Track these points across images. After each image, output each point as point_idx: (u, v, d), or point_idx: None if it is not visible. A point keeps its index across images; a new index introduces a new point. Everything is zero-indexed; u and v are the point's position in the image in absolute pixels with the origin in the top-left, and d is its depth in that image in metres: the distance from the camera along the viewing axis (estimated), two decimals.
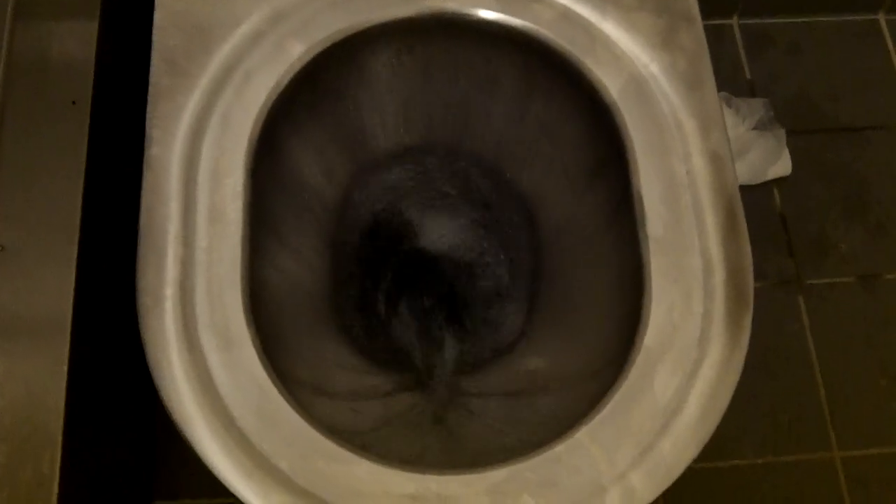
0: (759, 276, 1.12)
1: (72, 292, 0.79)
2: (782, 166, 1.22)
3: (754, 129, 1.22)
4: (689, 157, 0.63)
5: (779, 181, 1.22)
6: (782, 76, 1.29)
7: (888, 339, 1.14)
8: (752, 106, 1.24)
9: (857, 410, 1.10)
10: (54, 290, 0.79)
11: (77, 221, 0.82)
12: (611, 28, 0.66)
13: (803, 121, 1.25)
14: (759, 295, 1.12)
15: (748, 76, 1.29)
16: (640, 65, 0.66)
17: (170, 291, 0.57)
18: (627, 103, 0.65)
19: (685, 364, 0.57)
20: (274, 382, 0.55)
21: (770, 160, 1.22)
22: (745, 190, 1.18)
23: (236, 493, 0.53)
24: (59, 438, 0.74)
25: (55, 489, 0.73)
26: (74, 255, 0.80)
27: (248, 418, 0.54)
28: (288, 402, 0.55)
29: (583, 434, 0.55)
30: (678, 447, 0.55)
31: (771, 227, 1.20)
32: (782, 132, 1.22)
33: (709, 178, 0.62)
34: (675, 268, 0.60)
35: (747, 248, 0.60)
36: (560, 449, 0.55)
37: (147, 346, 0.56)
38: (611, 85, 0.65)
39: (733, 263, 0.60)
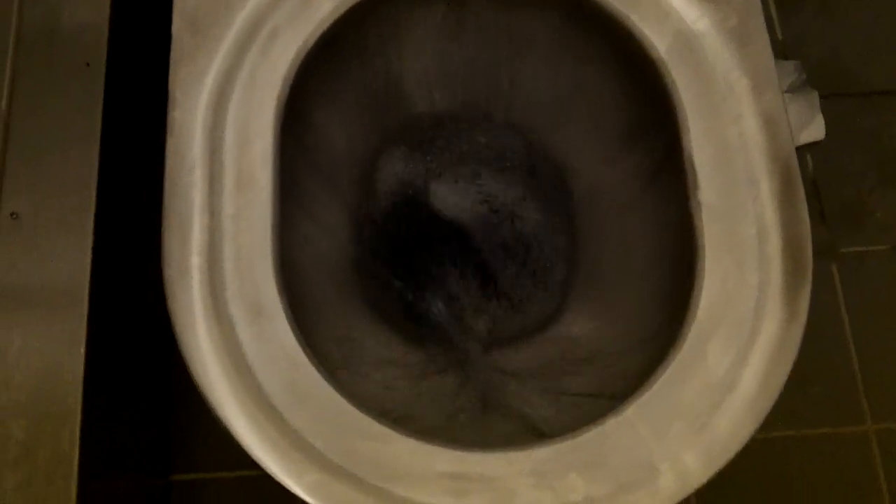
0: None
1: (88, 261, 0.76)
2: (815, 130, 1.18)
3: (786, 92, 1.19)
4: (741, 119, 0.59)
5: (811, 146, 1.18)
6: (814, 37, 1.25)
7: None
8: (784, 68, 1.20)
9: (892, 382, 1.07)
10: (70, 260, 0.77)
11: (93, 187, 0.79)
12: None
13: (836, 83, 1.22)
14: None
15: (779, 37, 1.25)
16: (688, 20, 0.62)
17: (196, 261, 0.55)
18: (676, 62, 0.61)
19: (740, 338, 0.54)
20: (307, 356, 0.53)
21: (802, 124, 1.18)
22: None
23: (269, 472, 0.50)
24: (78, 413, 0.72)
25: (75, 465, 0.72)
26: (91, 223, 0.78)
27: (280, 393, 0.52)
28: (322, 376, 0.52)
29: (632, 411, 0.53)
30: (734, 425, 0.52)
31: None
32: (815, 95, 1.18)
33: (763, 141, 0.59)
34: (729, 236, 0.57)
35: (805, 216, 0.57)
36: (608, 426, 0.52)
37: (174, 319, 0.53)
38: (658, 42, 0.62)
39: (790, 232, 0.57)
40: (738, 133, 0.59)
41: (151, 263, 1.03)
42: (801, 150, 1.18)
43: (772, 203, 0.57)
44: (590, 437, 0.52)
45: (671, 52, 0.61)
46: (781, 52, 1.24)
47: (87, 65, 0.84)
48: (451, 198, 0.75)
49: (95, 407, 0.73)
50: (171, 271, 0.54)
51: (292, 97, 0.60)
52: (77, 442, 0.72)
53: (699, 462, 0.52)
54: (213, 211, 0.56)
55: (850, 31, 1.25)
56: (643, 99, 0.64)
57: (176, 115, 0.58)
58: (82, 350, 0.73)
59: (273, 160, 0.57)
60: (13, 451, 0.72)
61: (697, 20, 0.62)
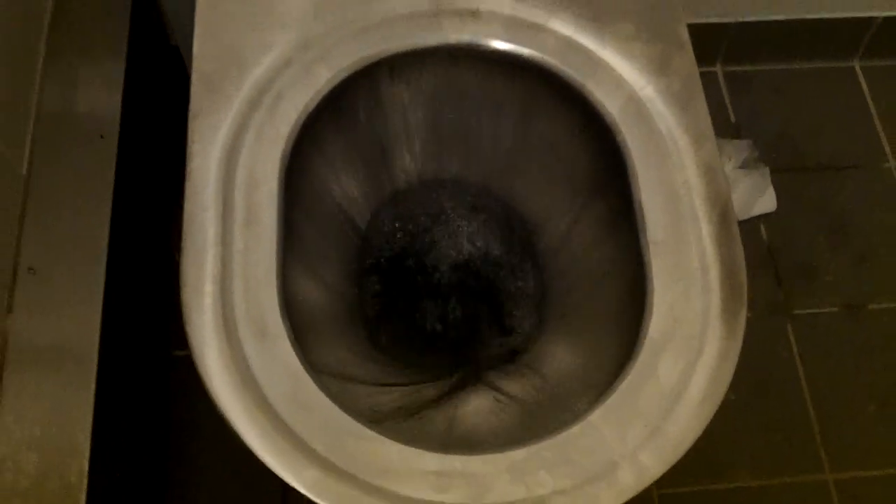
0: (748, 305, 1.18)
1: (99, 311, 0.84)
2: (768, 202, 1.27)
3: (740, 167, 1.29)
4: (684, 169, 0.69)
5: (765, 216, 1.27)
6: (765, 118, 1.36)
7: (875, 366, 1.18)
8: (738, 146, 1.30)
9: (849, 434, 1.14)
10: (83, 310, 0.84)
11: (104, 245, 0.87)
12: (610, 55, 0.73)
13: (786, 159, 1.32)
14: (750, 323, 1.17)
15: (733, 119, 1.35)
16: (637, 87, 0.72)
17: (210, 288, 0.62)
18: (627, 122, 0.70)
19: (687, 353, 0.62)
20: (307, 370, 0.60)
21: (755, 196, 1.28)
22: None
23: (273, 470, 0.56)
24: (87, 448, 0.78)
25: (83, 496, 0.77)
26: (102, 277, 0.85)
27: (282, 403, 0.59)
28: (320, 388, 0.59)
29: (595, 417, 0.60)
30: (683, 427, 0.60)
31: (759, 259, 1.25)
32: (766, 170, 1.28)
33: (703, 187, 0.68)
34: (676, 268, 0.65)
35: (740, 249, 0.66)
36: (575, 431, 0.59)
37: (190, 337, 0.60)
38: (611, 106, 0.71)
39: (728, 263, 0.65)
40: (682, 181, 0.68)
41: (156, 312, 1.11)
42: (756, 220, 1.27)
43: (711, 239, 0.66)
44: (558, 440, 0.59)
45: (623, 114, 0.71)
46: (735, 132, 1.34)
47: (101, 136, 0.93)
48: (433, 249, 0.84)
49: (103, 444, 0.79)
50: (187, 297, 0.62)
51: (294, 153, 0.69)
52: (85, 475, 0.77)
53: (654, 460, 0.59)
54: (225, 244, 0.63)
55: (797, 112, 1.36)
56: (603, 155, 0.73)
57: (194, 164, 0.66)
58: (92, 393, 0.80)
59: (278, 201, 0.65)
60: (23, 483, 0.77)
61: (645, 87, 0.72)
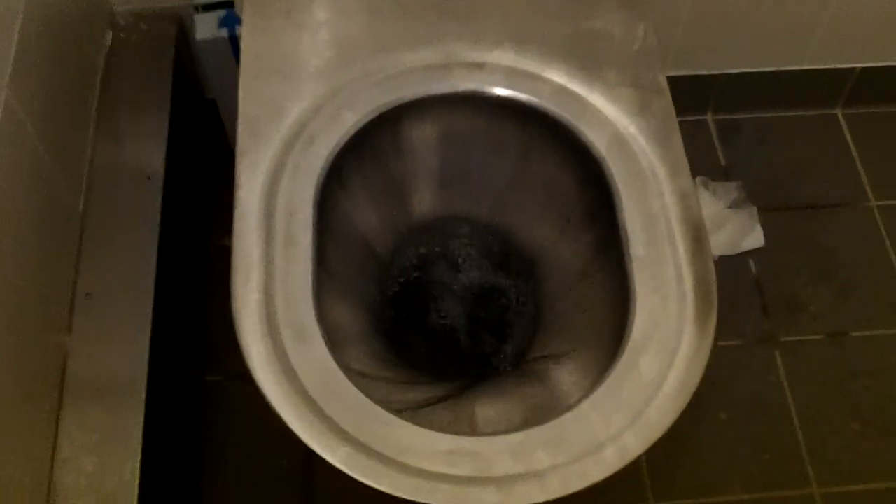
0: (739, 334, 1.28)
1: (148, 332, 0.95)
2: (755, 239, 1.37)
3: (729, 207, 1.38)
4: (662, 195, 0.79)
5: (753, 252, 1.37)
6: (753, 162, 1.45)
7: (858, 388, 1.26)
8: (727, 188, 1.40)
9: (834, 451, 1.22)
10: (134, 330, 0.95)
11: (153, 272, 0.98)
12: (597, 99, 0.84)
13: (773, 199, 1.41)
14: (740, 350, 1.27)
15: (722, 163, 1.46)
16: (621, 126, 0.82)
17: (255, 297, 0.72)
18: (613, 156, 0.81)
19: (665, 351, 0.72)
20: (339, 365, 0.70)
21: (744, 234, 1.37)
22: (723, 260, 1.34)
23: (310, 446, 0.66)
24: (139, 452, 0.88)
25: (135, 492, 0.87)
26: (151, 301, 0.96)
27: (317, 391, 0.68)
28: (349, 379, 0.69)
29: (585, 405, 0.70)
30: (661, 414, 0.69)
31: (748, 292, 1.34)
32: (754, 209, 1.38)
33: (678, 211, 0.78)
34: (655, 280, 0.75)
35: (710, 263, 0.76)
36: (567, 417, 0.69)
37: (240, 339, 0.70)
38: (599, 143, 0.82)
39: (700, 275, 0.75)
40: (661, 206, 0.79)
41: (193, 339, 1.22)
42: (744, 255, 1.36)
43: (685, 255, 0.76)
44: (553, 426, 0.69)
45: (609, 150, 0.82)
46: (725, 174, 1.44)
47: (148, 178, 1.05)
48: (445, 273, 0.94)
49: (151, 447, 0.89)
50: (237, 305, 0.72)
51: (326, 186, 0.80)
52: (138, 473, 0.87)
53: (635, 442, 0.68)
54: (268, 262, 0.74)
55: (784, 155, 1.46)
56: (591, 185, 0.84)
57: (241, 194, 0.77)
58: (142, 409, 0.90)
59: (311, 227, 0.76)
60: (83, 481, 0.87)
61: (628, 126, 0.83)
